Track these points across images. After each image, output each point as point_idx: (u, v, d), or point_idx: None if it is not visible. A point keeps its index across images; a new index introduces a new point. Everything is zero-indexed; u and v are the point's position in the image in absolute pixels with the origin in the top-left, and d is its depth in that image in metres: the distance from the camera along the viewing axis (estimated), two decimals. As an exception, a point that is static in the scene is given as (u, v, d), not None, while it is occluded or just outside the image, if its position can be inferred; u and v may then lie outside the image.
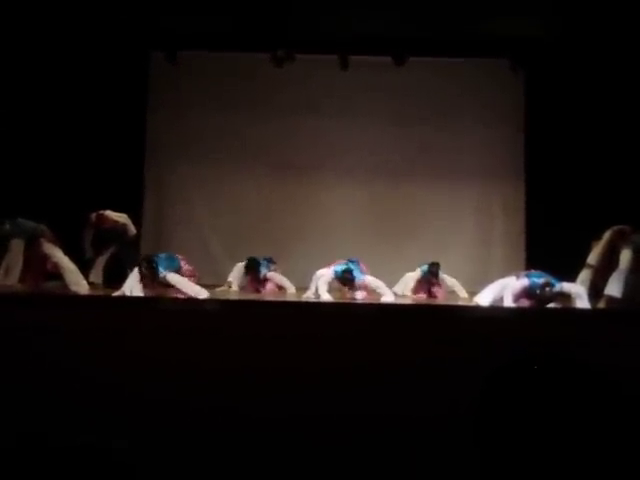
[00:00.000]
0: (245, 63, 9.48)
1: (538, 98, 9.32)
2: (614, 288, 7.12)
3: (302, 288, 7.78)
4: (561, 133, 9.04)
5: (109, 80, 9.05)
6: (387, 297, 7.22)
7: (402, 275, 8.48)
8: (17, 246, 7.36)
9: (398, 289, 8.02)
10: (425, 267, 8.28)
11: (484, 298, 6.81)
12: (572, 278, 7.56)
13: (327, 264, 7.75)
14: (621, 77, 8.69)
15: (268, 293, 8.15)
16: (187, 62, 9.49)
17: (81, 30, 8.63)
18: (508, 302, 6.53)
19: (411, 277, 8.41)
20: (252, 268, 8.15)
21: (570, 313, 6.53)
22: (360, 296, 7.45)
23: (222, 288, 8.11)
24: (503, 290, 6.71)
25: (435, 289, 8.31)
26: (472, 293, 8.95)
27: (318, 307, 6.39)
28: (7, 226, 7.37)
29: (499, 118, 9.52)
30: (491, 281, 8.05)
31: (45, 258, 7.39)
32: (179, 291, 6.72)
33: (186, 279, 6.86)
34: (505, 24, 8.49)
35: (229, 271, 8.77)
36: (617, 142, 8.80)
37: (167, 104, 9.55)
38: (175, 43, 9.23)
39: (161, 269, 6.74)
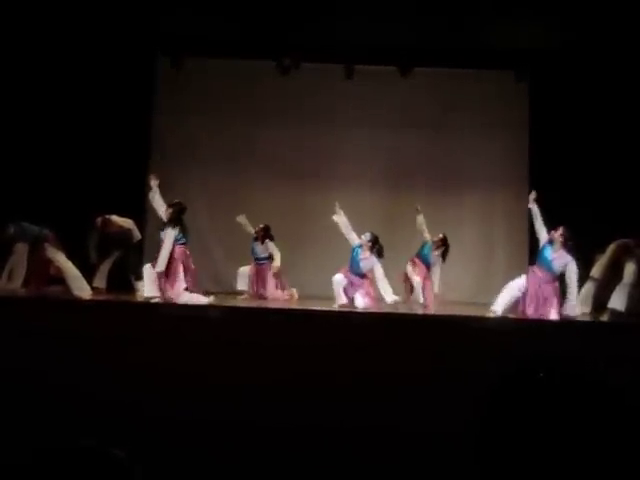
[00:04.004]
0: (251, 71, 9.49)
1: (542, 108, 9.32)
2: (618, 301, 7.12)
3: (308, 296, 7.84)
4: (564, 143, 9.04)
5: (115, 85, 9.06)
6: (388, 297, 7.40)
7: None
8: (21, 250, 7.37)
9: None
10: (427, 248, 8.29)
11: (499, 305, 6.82)
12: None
13: (330, 270, 7.82)
14: (624, 87, 8.70)
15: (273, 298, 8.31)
16: (194, 68, 9.50)
17: (90, 35, 8.67)
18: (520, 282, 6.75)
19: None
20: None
21: (573, 326, 6.51)
22: (362, 303, 7.45)
23: (243, 297, 8.30)
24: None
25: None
26: (473, 303, 8.96)
27: (322, 316, 6.37)
28: (11, 230, 7.38)
29: (503, 128, 9.52)
30: (493, 289, 8.18)
31: (49, 262, 7.40)
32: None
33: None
34: (509, 36, 8.52)
35: (231, 277, 8.79)
36: (621, 152, 8.80)
37: (173, 110, 9.56)
38: (182, 48, 9.25)
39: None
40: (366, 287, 7.58)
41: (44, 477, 1.17)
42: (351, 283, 7.56)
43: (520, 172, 9.47)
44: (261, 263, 8.56)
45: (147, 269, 7.10)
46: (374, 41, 8.76)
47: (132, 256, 8.29)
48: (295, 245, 9.06)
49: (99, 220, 8.18)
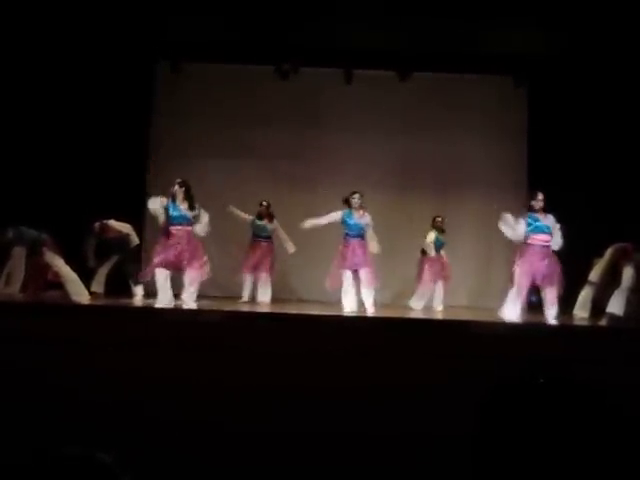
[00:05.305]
0: (250, 75, 9.51)
1: (540, 113, 9.35)
2: (616, 306, 7.11)
3: (313, 300, 7.84)
4: (563, 147, 9.06)
5: (114, 90, 9.07)
6: (373, 248, 7.54)
7: (403, 285, 8.53)
8: (19, 254, 7.36)
9: None
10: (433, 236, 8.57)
11: (510, 312, 6.80)
12: (573, 293, 7.55)
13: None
14: (622, 92, 8.71)
15: None
16: (193, 72, 9.52)
17: (91, 39, 8.66)
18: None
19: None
20: None
21: (572, 330, 6.51)
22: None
23: (241, 301, 8.37)
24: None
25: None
26: (472, 307, 8.95)
27: (323, 321, 6.36)
28: (9, 234, 7.37)
29: (502, 132, 9.54)
30: (492, 293, 8.29)
31: (46, 267, 7.38)
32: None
33: None
34: (508, 41, 8.53)
35: (229, 280, 8.77)
36: (619, 157, 8.81)
37: (172, 113, 9.57)
38: (182, 53, 9.26)
39: None
40: (367, 253, 7.60)
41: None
42: (354, 251, 7.55)
43: (519, 176, 9.49)
44: (265, 241, 8.62)
45: (160, 274, 7.08)
46: (373, 46, 8.77)
47: (130, 261, 8.29)
48: (296, 248, 9.04)
49: (97, 225, 8.18)
